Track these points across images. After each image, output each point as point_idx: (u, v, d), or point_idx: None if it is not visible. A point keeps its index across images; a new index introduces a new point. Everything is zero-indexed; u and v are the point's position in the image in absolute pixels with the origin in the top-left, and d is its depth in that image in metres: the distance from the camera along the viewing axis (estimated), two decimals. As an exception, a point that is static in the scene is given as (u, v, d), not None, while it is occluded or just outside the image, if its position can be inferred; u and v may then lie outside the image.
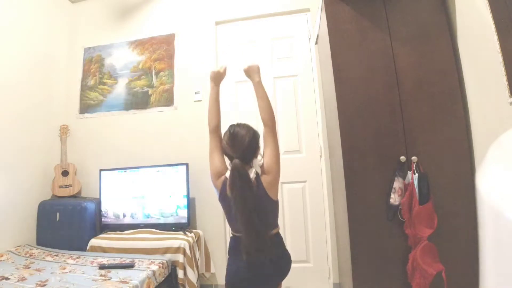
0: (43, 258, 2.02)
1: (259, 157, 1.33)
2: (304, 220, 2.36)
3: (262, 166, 1.30)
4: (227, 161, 1.31)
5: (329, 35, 1.68)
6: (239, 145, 1.26)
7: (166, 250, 2.03)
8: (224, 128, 1.34)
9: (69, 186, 2.55)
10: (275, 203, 1.31)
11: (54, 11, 2.80)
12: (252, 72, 1.38)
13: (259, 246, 1.21)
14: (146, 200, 2.36)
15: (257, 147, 1.32)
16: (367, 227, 1.53)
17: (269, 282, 1.31)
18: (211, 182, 1.31)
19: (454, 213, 1.46)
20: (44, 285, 1.58)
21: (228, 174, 1.25)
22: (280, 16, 2.59)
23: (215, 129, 1.35)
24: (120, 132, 2.69)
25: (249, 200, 1.19)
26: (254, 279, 1.26)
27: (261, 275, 1.26)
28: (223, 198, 1.27)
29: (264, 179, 1.27)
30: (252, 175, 1.25)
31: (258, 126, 1.35)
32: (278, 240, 1.32)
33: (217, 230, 2.42)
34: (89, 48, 2.90)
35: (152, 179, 2.38)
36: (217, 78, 1.41)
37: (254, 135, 1.31)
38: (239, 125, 1.32)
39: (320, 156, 2.39)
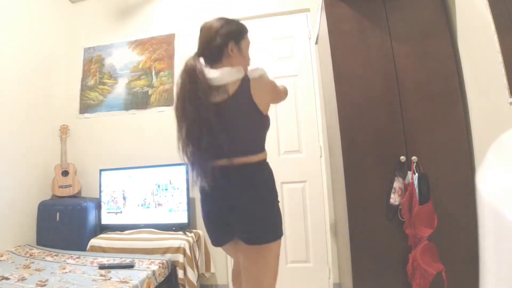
0: (43, 258, 2.02)
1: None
2: (304, 220, 2.36)
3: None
4: None
5: (329, 35, 1.68)
6: (202, 36, 1.03)
7: (166, 250, 2.03)
8: None
9: (69, 186, 2.55)
10: (264, 119, 1.02)
11: (54, 11, 2.79)
12: None
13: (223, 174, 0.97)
14: (146, 200, 2.36)
15: (225, 43, 1.04)
16: (367, 227, 1.53)
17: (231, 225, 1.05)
18: None
19: (454, 213, 1.46)
20: (44, 285, 1.58)
21: None
22: (280, 16, 2.59)
23: None
24: (120, 132, 2.69)
25: (204, 108, 0.92)
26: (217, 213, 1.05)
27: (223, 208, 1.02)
28: None
29: (255, 83, 0.99)
30: (227, 77, 0.97)
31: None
32: (257, 172, 1.01)
33: (217, 230, 2.41)
34: (89, 48, 2.90)
35: (152, 179, 2.38)
36: None
37: (229, 28, 1.06)
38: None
39: (320, 156, 2.39)
